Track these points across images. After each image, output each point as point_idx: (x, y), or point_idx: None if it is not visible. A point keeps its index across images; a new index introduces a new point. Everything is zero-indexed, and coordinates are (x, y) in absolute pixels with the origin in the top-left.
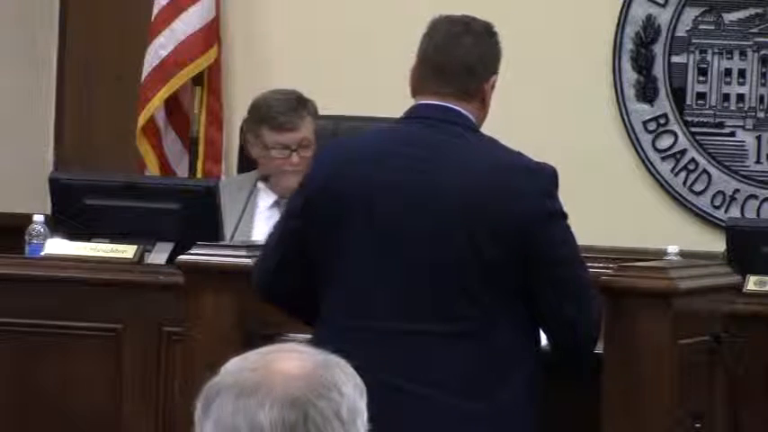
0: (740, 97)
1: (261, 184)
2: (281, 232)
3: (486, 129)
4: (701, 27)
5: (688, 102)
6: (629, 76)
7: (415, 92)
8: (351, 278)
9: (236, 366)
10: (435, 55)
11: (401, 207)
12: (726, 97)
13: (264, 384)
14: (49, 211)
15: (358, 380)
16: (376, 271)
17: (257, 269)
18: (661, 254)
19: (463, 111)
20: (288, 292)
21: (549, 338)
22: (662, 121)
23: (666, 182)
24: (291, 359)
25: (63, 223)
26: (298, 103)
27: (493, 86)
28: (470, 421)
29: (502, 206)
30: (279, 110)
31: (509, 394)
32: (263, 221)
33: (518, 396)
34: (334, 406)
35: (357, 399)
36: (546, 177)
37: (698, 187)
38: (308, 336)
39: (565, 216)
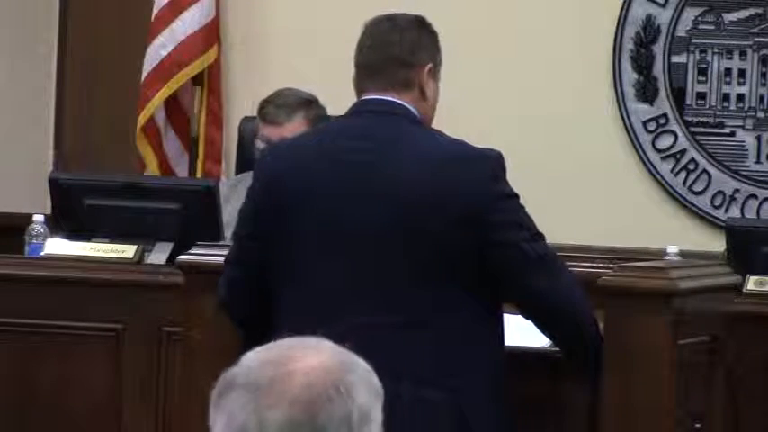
0: (740, 97)
1: None
2: (234, 246)
3: (486, 128)
4: (701, 27)
5: (688, 102)
6: (629, 76)
7: (359, 94)
8: (299, 280)
9: (254, 361)
10: (367, 56)
11: (344, 202)
12: (726, 97)
13: (278, 384)
14: (49, 211)
15: (375, 383)
16: (322, 269)
17: (219, 284)
18: (661, 254)
19: (403, 102)
20: (244, 308)
21: (540, 327)
22: (662, 121)
23: (666, 182)
24: (309, 358)
25: (63, 223)
26: (295, 103)
27: (432, 76)
28: (427, 412)
29: (448, 195)
30: (271, 102)
31: (468, 386)
32: None
33: (478, 390)
34: (345, 411)
35: (371, 404)
36: (490, 162)
37: (698, 187)
38: None
39: (515, 196)
